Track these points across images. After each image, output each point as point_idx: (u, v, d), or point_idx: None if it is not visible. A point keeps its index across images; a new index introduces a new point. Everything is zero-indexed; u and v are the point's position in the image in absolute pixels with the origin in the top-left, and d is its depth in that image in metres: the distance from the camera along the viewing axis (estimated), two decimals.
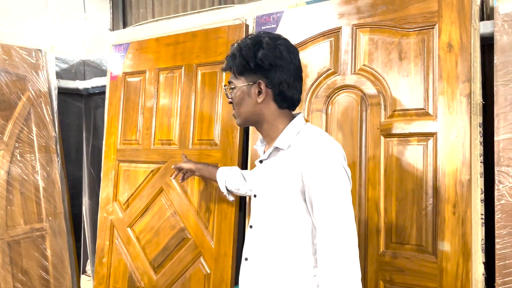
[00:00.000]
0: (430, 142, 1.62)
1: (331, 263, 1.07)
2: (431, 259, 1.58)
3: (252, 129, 2.06)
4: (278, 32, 1.96)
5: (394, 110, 1.70)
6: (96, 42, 3.46)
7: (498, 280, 1.49)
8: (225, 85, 1.30)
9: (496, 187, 1.53)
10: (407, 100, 1.68)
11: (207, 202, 2.12)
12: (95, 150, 2.99)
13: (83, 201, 3.01)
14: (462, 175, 1.54)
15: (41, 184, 2.56)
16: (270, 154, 1.23)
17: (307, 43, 1.93)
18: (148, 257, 2.29)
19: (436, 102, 1.62)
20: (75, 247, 2.75)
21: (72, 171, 2.95)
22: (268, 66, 1.18)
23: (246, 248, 1.31)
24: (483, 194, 1.55)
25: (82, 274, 3.05)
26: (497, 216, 1.52)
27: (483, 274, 1.51)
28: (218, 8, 2.57)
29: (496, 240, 1.51)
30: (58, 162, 2.66)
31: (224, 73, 2.11)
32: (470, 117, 1.55)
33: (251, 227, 1.30)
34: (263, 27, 2.05)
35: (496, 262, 1.51)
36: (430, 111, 1.63)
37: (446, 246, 1.54)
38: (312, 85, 1.90)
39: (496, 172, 1.54)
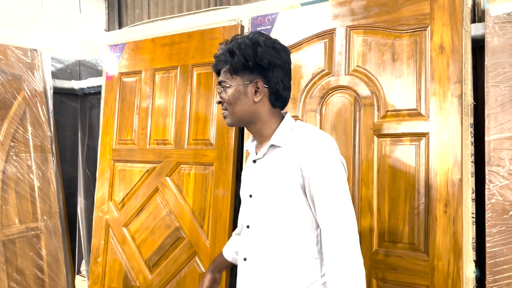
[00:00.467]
0: (422, 142, 1.64)
1: (337, 249, 1.10)
2: (423, 258, 1.60)
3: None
4: (273, 33, 1.99)
5: (387, 111, 1.72)
6: (91, 43, 3.47)
7: (488, 277, 1.52)
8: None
9: (486, 186, 1.56)
10: (399, 100, 1.70)
11: (202, 202, 2.13)
12: (90, 150, 3.00)
13: (78, 201, 3.01)
14: (453, 174, 1.56)
15: (36, 183, 2.56)
16: (265, 153, 1.24)
17: (301, 44, 1.95)
18: (143, 257, 2.29)
19: (428, 102, 1.64)
20: (69, 247, 2.75)
21: (67, 171, 2.96)
22: (267, 65, 1.19)
23: (244, 248, 1.29)
24: (474, 193, 1.58)
25: (77, 274, 3.05)
26: (488, 215, 1.54)
27: (474, 272, 1.54)
28: (214, 9, 2.59)
29: (487, 239, 1.54)
30: (53, 161, 2.66)
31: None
32: (462, 117, 1.57)
33: (248, 227, 1.29)
34: (258, 28, 2.06)
35: (487, 260, 1.53)
36: (422, 112, 1.65)
37: (437, 244, 1.57)
38: (306, 85, 1.91)
39: (486, 171, 1.56)
